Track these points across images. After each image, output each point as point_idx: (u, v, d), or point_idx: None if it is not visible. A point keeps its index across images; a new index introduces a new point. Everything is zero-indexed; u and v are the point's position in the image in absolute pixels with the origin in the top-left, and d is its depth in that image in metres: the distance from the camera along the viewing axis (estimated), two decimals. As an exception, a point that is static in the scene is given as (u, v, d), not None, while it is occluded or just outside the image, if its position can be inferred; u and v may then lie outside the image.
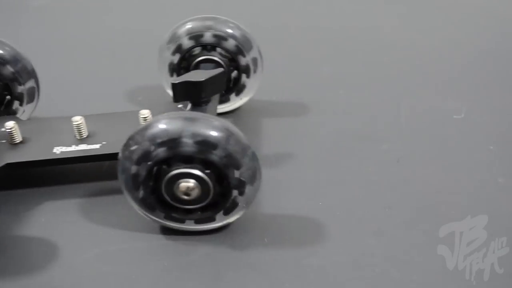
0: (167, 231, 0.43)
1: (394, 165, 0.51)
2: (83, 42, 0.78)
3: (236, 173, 0.39)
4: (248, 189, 0.40)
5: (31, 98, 0.54)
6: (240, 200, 0.41)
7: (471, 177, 0.49)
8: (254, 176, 0.40)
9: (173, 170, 0.39)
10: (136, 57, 0.73)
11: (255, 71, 0.57)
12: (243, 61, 0.56)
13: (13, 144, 0.47)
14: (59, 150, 0.46)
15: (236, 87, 0.57)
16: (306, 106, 0.61)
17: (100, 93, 0.64)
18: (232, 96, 0.57)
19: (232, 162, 0.39)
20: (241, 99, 0.58)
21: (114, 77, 0.68)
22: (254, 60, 0.56)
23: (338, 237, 0.43)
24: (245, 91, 0.57)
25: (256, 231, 0.43)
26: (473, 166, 0.50)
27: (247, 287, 0.39)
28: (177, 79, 0.48)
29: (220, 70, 0.51)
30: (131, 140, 0.40)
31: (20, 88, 0.53)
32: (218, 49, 0.55)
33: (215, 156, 0.39)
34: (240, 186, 0.40)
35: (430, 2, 0.89)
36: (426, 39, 0.77)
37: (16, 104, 0.53)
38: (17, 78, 0.52)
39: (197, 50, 0.55)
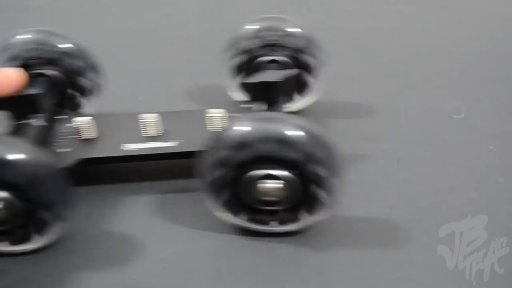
0: (237, 231, 0.43)
1: (394, 165, 0.51)
2: (83, 43, 0.78)
3: (321, 172, 0.39)
4: (331, 186, 0.40)
5: (94, 94, 0.54)
6: (324, 198, 0.40)
7: (471, 177, 0.49)
8: (338, 176, 0.40)
9: (260, 171, 0.38)
10: (136, 57, 0.73)
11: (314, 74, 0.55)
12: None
13: (87, 140, 0.47)
14: (132, 147, 0.46)
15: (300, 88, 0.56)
16: (305, 106, 0.60)
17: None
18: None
19: (319, 163, 0.38)
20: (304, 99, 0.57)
21: (113, 77, 0.68)
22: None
23: (339, 237, 0.43)
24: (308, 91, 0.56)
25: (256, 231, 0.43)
26: (473, 166, 0.50)
27: (247, 287, 0.39)
28: (255, 79, 0.48)
29: (295, 71, 0.51)
30: (216, 141, 0.39)
31: (86, 83, 0.53)
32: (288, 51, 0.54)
33: (302, 157, 0.38)
34: (324, 184, 0.39)
35: (430, 2, 0.89)
36: (426, 39, 0.77)
37: (80, 99, 0.53)
38: (82, 73, 0.53)
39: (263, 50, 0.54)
